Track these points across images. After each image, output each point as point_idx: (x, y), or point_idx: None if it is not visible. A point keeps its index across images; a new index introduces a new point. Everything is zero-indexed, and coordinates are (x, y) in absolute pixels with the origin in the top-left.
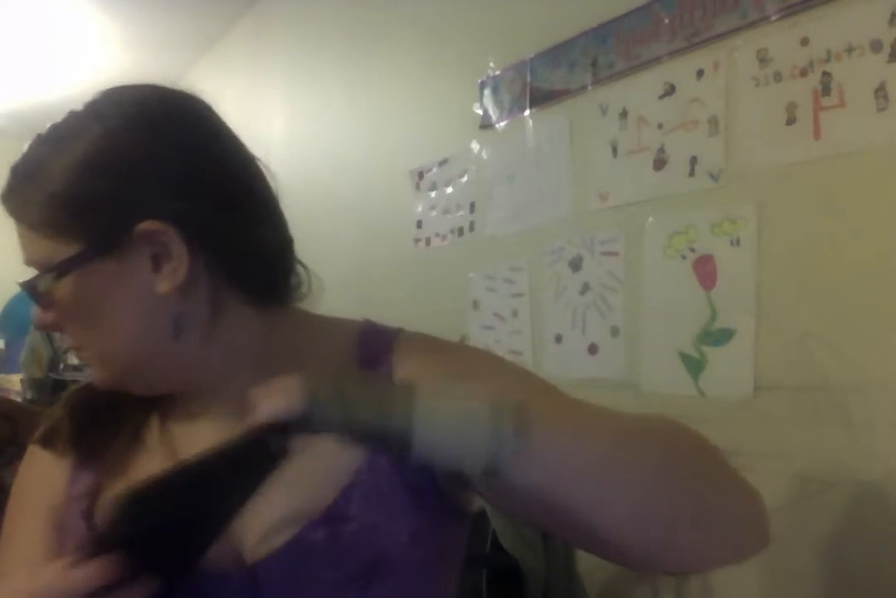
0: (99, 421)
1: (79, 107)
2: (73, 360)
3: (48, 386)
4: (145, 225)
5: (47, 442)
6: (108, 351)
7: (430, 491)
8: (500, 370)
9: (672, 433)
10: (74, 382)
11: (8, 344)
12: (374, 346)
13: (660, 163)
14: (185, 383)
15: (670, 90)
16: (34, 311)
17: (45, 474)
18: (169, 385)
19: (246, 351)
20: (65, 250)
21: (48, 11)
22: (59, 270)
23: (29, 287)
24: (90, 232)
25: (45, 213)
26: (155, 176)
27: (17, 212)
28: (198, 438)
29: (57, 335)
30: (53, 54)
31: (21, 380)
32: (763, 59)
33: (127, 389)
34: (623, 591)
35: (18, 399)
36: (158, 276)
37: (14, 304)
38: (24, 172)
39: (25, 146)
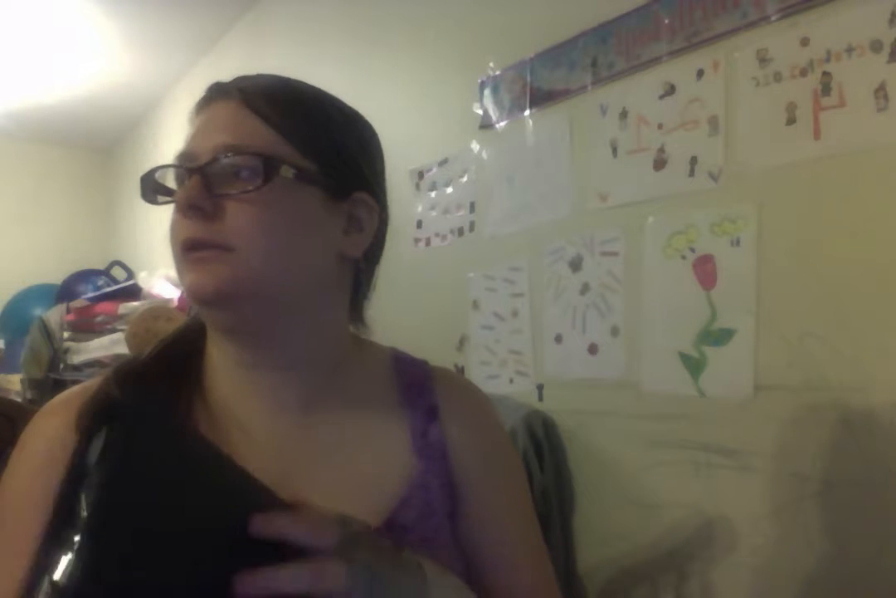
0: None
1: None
2: (72, 360)
3: (48, 386)
4: (367, 196)
5: (91, 420)
6: (270, 261)
7: (450, 515)
8: (516, 466)
9: None
10: (75, 382)
11: (8, 344)
12: (414, 375)
13: (660, 163)
14: (275, 336)
15: (670, 90)
16: (193, 185)
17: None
18: (266, 327)
19: (329, 344)
20: (299, 160)
21: (48, 12)
22: (296, 170)
23: (240, 158)
24: (330, 165)
25: (300, 121)
26: (382, 176)
27: (258, 102)
28: (250, 441)
29: (57, 335)
30: (54, 55)
31: (21, 380)
32: (763, 59)
33: (231, 304)
34: (623, 591)
35: (18, 399)
36: (345, 238)
37: (14, 304)
38: (289, 89)
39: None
